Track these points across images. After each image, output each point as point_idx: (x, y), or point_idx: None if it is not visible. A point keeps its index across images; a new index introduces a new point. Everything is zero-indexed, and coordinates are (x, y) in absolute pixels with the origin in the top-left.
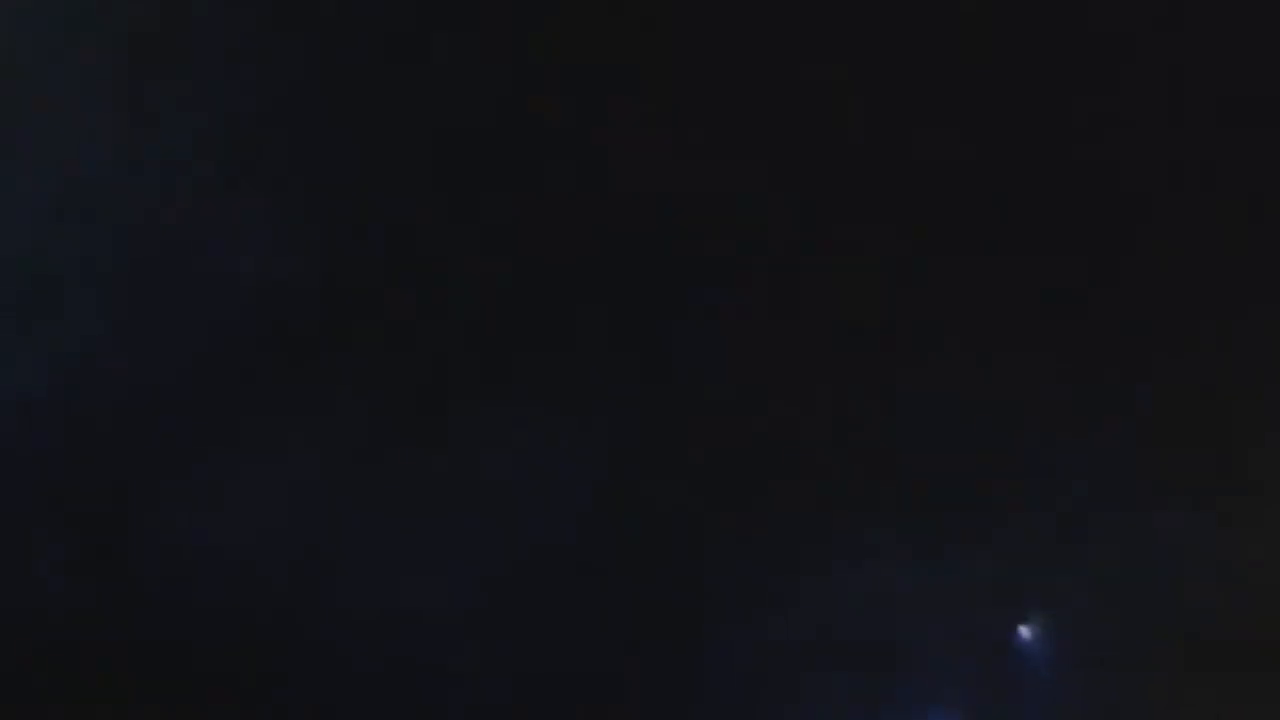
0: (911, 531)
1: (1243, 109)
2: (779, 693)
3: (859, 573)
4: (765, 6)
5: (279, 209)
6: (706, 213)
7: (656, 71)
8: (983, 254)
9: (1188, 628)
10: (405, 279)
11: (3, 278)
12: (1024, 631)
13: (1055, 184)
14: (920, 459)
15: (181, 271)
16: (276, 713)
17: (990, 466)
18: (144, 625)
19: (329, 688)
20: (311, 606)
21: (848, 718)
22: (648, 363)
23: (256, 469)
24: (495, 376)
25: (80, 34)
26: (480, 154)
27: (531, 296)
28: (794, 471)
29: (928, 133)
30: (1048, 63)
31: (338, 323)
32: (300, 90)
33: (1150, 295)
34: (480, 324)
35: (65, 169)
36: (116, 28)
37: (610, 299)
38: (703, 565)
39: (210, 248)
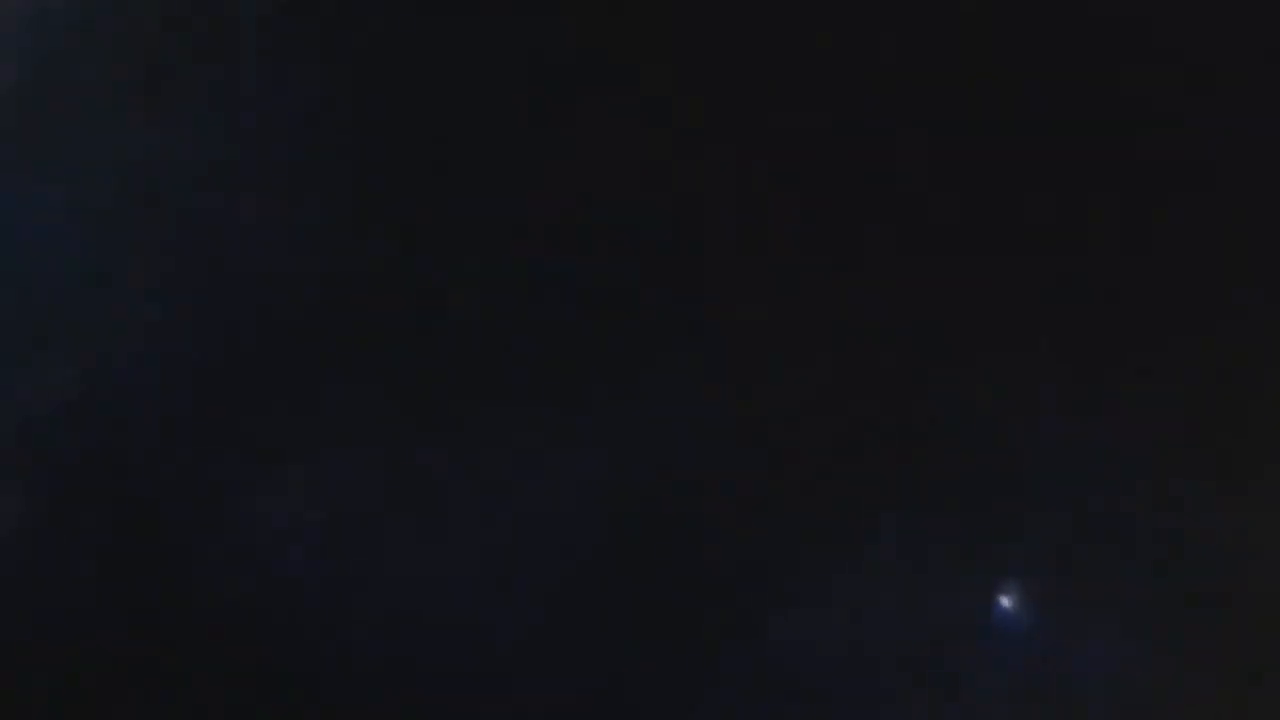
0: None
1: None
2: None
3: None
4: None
5: (309, 207)
6: (727, 208)
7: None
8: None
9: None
10: (438, 278)
11: (36, 278)
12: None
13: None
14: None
15: (213, 270)
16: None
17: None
18: (177, 630)
19: (362, 693)
20: (346, 610)
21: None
22: (670, 361)
23: (291, 470)
24: (522, 377)
25: (113, 37)
26: (512, 153)
27: (557, 298)
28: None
29: (929, 127)
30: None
31: (372, 321)
32: (332, 88)
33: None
34: (510, 325)
35: (97, 170)
36: (149, 29)
37: (632, 296)
38: (728, 567)
39: (240, 245)
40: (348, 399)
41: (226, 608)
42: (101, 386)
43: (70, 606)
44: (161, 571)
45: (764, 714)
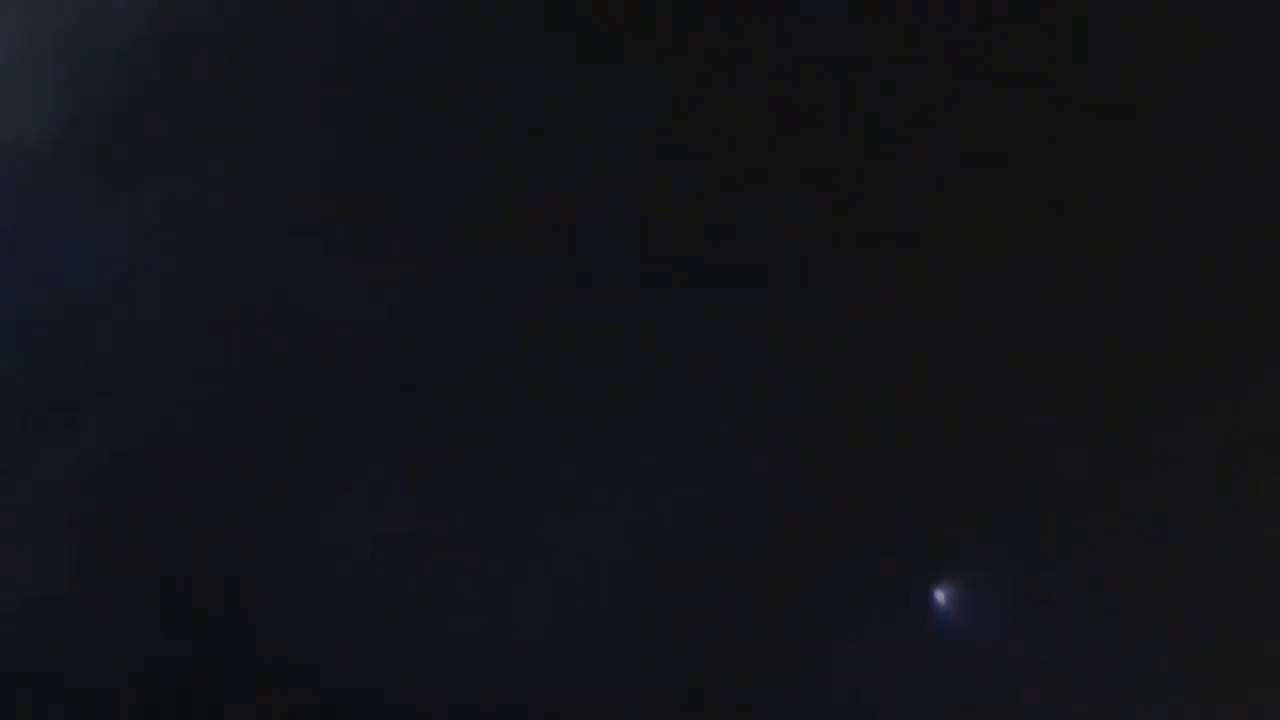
0: None
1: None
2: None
3: None
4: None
5: (367, 252)
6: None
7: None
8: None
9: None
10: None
11: (101, 325)
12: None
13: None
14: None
15: (273, 317)
16: None
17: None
18: (245, 679)
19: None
20: (415, 656)
21: None
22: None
23: (353, 516)
24: (582, 407)
25: (176, 84)
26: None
27: (618, 329)
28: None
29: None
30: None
31: (434, 363)
32: (387, 132)
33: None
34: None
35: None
36: (209, 75)
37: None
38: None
39: (298, 292)
40: (416, 441)
41: (288, 637)
42: (166, 424)
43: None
44: (224, 608)
45: None
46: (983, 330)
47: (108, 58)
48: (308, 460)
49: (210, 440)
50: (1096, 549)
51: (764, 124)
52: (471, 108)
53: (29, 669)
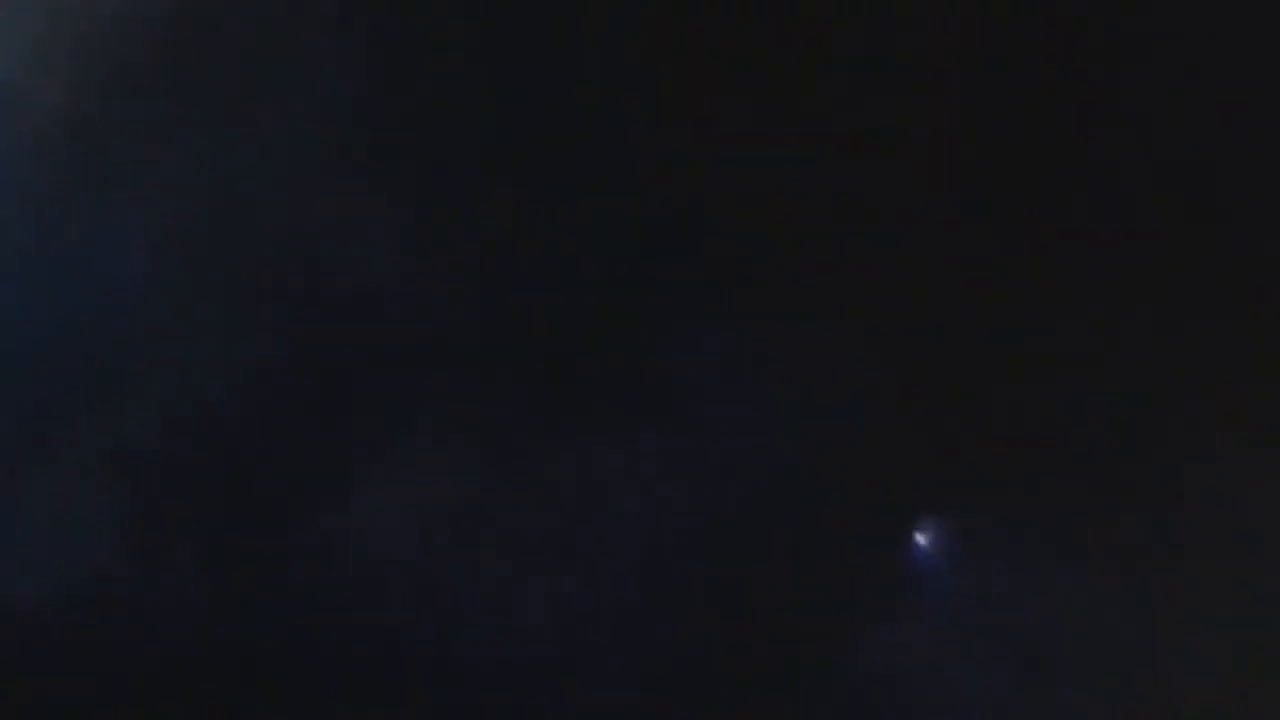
0: None
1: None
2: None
3: None
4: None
5: (419, 223)
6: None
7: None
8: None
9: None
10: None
11: (161, 290)
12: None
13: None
14: None
15: (326, 284)
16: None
17: None
18: (288, 626)
19: (477, 687)
20: (458, 608)
21: None
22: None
23: (400, 472)
24: (629, 382)
25: (223, 53)
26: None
27: (664, 305)
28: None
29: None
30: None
31: (479, 332)
32: (444, 109)
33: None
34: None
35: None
36: (218, 52)
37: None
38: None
39: (351, 262)
40: (464, 403)
41: (321, 607)
42: (214, 396)
43: (178, 608)
44: (264, 586)
45: None
46: (979, 322)
47: (133, 36)
48: (343, 439)
49: (246, 421)
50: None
51: (777, 124)
52: (512, 88)
53: (74, 649)
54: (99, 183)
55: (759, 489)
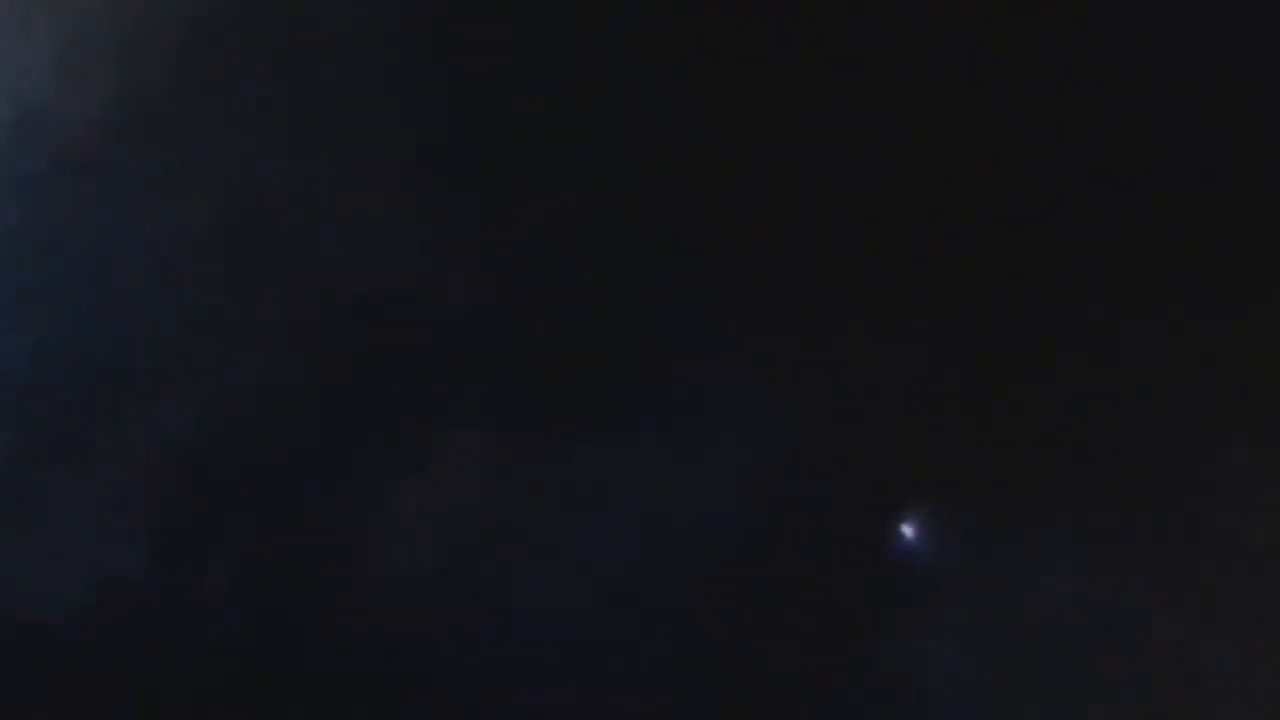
0: None
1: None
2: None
3: None
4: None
5: (442, 228)
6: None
7: None
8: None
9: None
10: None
11: (183, 296)
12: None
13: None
14: None
15: (353, 288)
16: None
17: None
18: (315, 632)
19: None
20: (482, 615)
21: None
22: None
23: (423, 481)
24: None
25: (245, 55)
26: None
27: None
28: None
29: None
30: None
31: (501, 335)
32: (467, 111)
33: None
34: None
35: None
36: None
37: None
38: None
39: (379, 264)
40: (486, 409)
41: (361, 611)
42: (243, 400)
43: (205, 617)
44: (301, 582)
45: None
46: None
47: (172, 40)
48: (383, 440)
49: (285, 420)
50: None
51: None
52: (543, 92)
53: (109, 650)
54: (125, 193)
55: (777, 493)
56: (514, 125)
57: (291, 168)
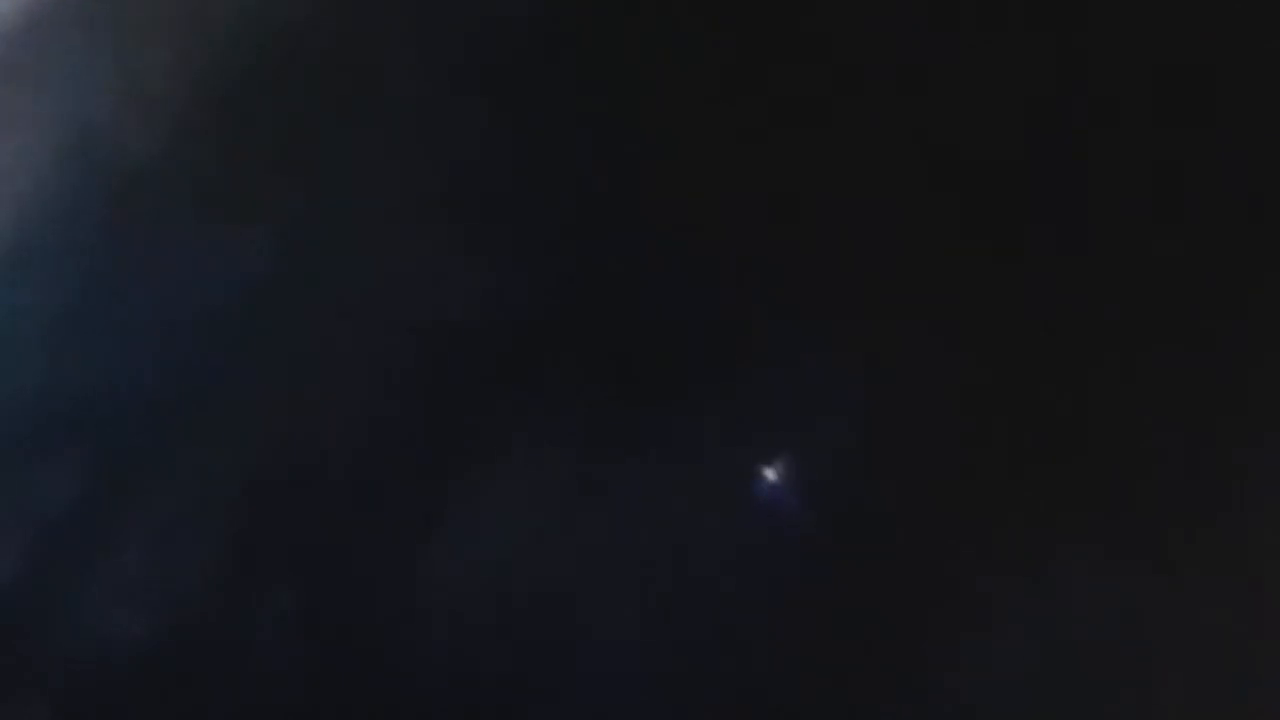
0: None
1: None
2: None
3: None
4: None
5: (463, 251)
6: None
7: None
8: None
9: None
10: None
11: (249, 327)
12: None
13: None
14: None
15: (421, 313)
16: None
17: None
18: (385, 663)
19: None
20: (539, 647)
21: None
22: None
23: (468, 508)
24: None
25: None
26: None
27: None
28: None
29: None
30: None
31: (535, 358)
32: (483, 132)
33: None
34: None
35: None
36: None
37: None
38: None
39: (453, 291)
40: (527, 431)
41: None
42: (306, 434)
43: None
44: (366, 619)
45: None
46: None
47: (239, 68)
48: (443, 467)
49: (350, 449)
50: None
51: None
52: (609, 105)
53: (174, 680)
54: (190, 223)
55: (841, 510)
56: (562, 149)
57: (358, 197)
